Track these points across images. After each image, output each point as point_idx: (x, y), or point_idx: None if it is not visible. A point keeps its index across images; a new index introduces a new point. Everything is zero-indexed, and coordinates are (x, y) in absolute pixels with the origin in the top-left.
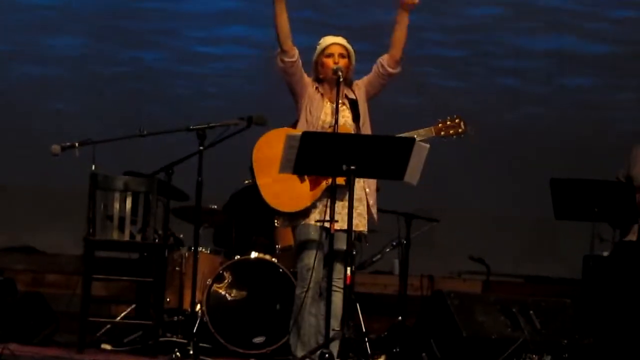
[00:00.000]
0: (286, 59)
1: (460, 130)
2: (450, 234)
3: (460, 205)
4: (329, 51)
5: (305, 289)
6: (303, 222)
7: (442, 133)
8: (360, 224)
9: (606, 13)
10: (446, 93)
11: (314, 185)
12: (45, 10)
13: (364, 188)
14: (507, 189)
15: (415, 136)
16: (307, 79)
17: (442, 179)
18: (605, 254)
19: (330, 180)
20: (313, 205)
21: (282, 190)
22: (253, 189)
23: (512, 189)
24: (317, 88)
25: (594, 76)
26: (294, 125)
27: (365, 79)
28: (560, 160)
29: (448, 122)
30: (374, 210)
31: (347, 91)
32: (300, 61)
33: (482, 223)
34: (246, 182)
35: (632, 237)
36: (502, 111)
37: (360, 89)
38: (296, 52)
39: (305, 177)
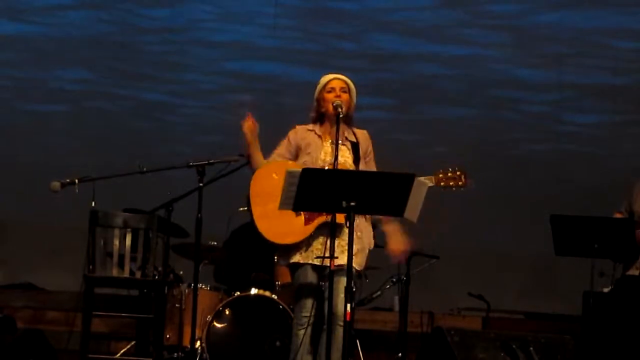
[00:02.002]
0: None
1: (460, 183)
2: (450, 271)
3: (459, 242)
4: (330, 86)
5: (303, 328)
6: (301, 263)
7: (442, 184)
8: (355, 263)
9: (610, 44)
10: (444, 128)
11: (308, 220)
12: (44, 43)
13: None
14: (506, 225)
15: None
16: (291, 137)
17: (441, 215)
18: (606, 290)
19: (326, 216)
20: (308, 243)
21: (277, 222)
22: (253, 226)
23: (512, 225)
24: (311, 130)
25: (596, 111)
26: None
27: (370, 149)
28: (561, 196)
29: (449, 174)
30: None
31: (347, 133)
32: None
33: (481, 259)
34: (240, 209)
35: (634, 271)
36: (502, 147)
37: (367, 140)
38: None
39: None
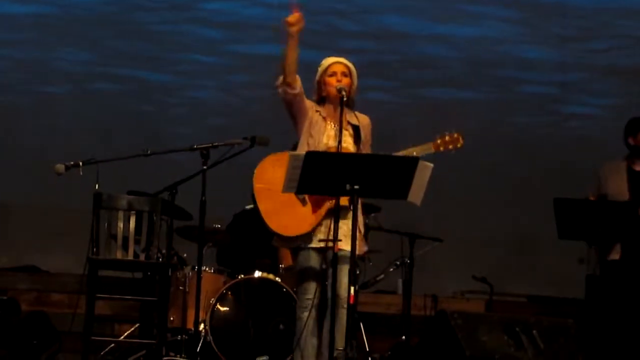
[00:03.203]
0: (290, 91)
1: (459, 145)
2: (453, 254)
3: (463, 225)
4: (331, 70)
5: (306, 311)
6: (303, 247)
7: (442, 148)
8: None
9: (618, 24)
10: (448, 110)
11: (315, 208)
12: (46, 23)
13: None
14: (509, 208)
15: (415, 153)
16: (308, 104)
17: (444, 198)
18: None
19: (332, 202)
20: (314, 228)
21: (285, 214)
22: (256, 210)
23: (514, 208)
24: (317, 111)
25: (602, 93)
26: (294, 148)
27: (368, 136)
28: (564, 179)
29: (447, 138)
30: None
31: (349, 116)
32: (302, 90)
33: (485, 242)
34: (248, 207)
35: (615, 256)
36: (506, 130)
37: (367, 125)
38: (299, 83)
39: (307, 200)
